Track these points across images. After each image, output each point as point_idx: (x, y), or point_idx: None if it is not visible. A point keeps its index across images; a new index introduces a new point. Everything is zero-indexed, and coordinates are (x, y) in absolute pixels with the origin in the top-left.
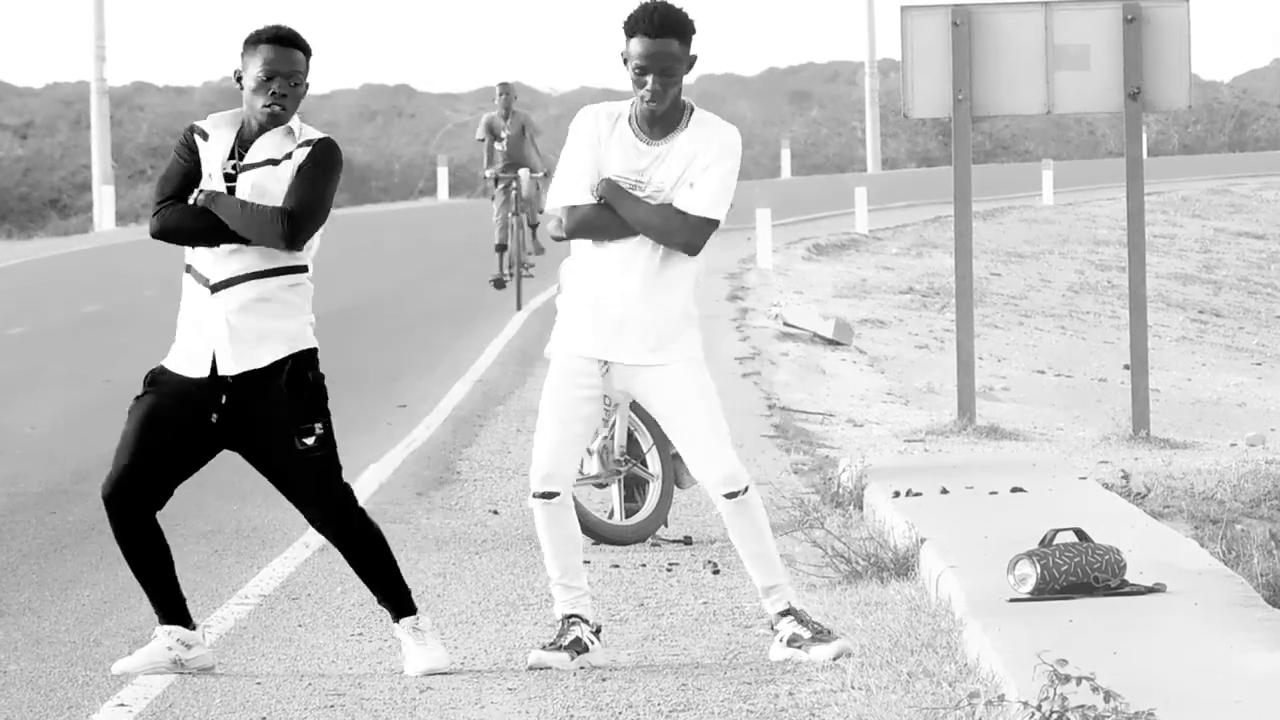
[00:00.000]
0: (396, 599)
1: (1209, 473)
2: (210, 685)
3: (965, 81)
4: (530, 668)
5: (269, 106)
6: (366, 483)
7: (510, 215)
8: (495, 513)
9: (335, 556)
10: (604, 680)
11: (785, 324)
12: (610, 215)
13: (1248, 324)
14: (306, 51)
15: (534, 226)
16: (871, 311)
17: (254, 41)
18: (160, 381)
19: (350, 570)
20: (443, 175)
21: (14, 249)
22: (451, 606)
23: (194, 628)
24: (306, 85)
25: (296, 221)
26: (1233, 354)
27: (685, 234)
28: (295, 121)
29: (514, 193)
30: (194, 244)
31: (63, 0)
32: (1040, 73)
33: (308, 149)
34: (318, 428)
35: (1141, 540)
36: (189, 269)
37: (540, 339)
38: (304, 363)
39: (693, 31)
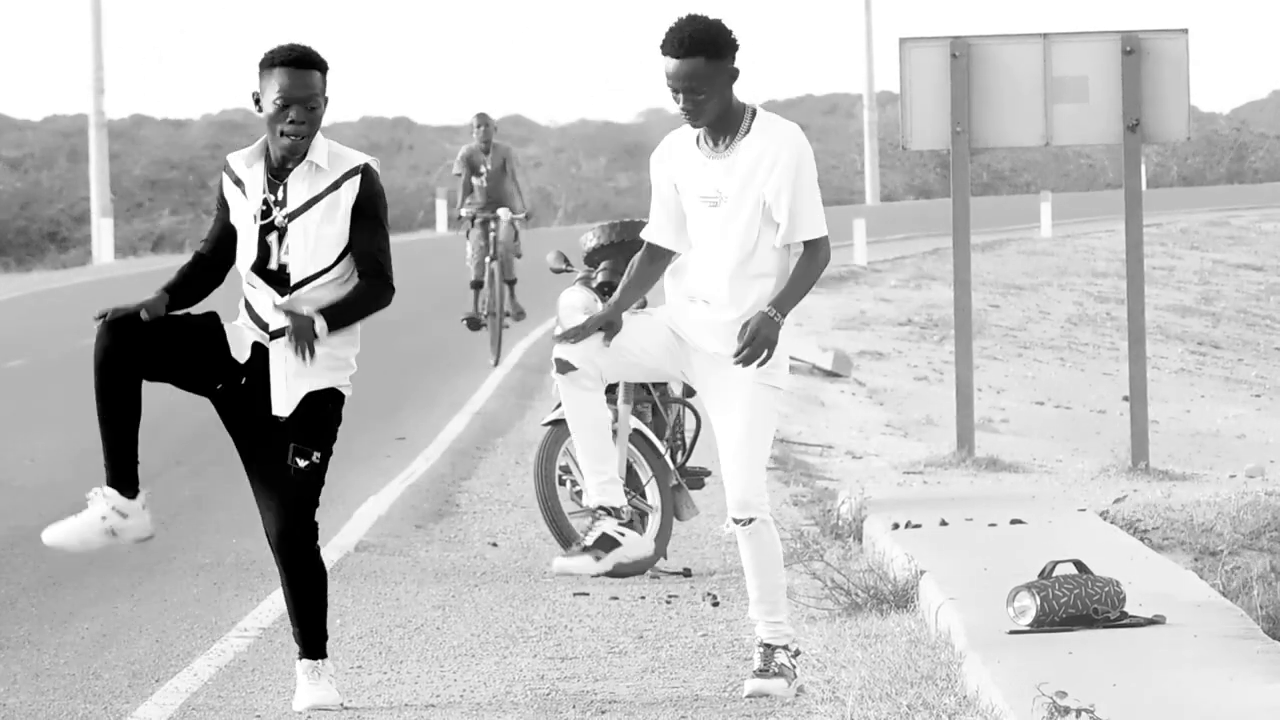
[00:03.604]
0: (315, 640)
1: (1208, 505)
2: (209, 718)
3: (964, 114)
4: (557, 574)
5: (286, 137)
6: (365, 515)
7: (488, 260)
8: (494, 545)
9: (336, 588)
10: (603, 713)
11: None
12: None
13: (1247, 356)
14: (323, 69)
15: (511, 283)
16: (870, 343)
17: (269, 64)
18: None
19: (349, 603)
20: (441, 208)
21: (12, 282)
22: (450, 639)
23: (135, 496)
24: (327, 100)
25: (388, 275)
26: (1232, 386)
27: (822, 260)
28: (323, 143)
29: (493, 235)
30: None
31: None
32: (1039, 105)
33: (354, 181)
34: (315, 456)
35: (1141, 572)
36: (246, 305)
37: (541, 371)
38: (329, 397)
39: (727, 47)
